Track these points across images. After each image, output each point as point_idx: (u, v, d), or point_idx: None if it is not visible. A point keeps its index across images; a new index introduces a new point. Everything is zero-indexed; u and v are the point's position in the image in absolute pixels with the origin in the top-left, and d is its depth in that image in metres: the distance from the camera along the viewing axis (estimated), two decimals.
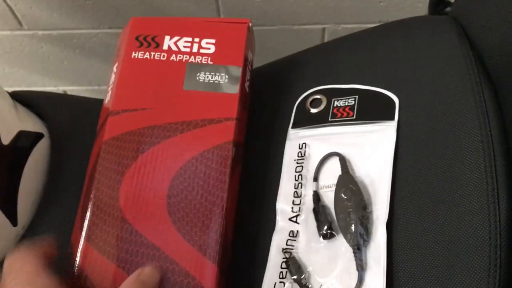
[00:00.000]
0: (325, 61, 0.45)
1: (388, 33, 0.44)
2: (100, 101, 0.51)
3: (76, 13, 0.81)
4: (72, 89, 0.99)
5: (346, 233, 0.34)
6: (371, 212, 0.35)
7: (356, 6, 0.78)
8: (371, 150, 0.37)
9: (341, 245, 0.34)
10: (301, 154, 0.39)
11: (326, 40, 0.85)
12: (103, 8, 0.80)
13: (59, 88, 0.99)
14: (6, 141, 0.39)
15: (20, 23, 0.83)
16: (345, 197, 0.35)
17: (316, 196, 0.37)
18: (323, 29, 0.82)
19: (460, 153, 0.34)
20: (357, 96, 0.40)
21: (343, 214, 0.35)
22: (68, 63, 0.92)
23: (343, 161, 0.37)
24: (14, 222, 0.39)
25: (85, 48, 0.88)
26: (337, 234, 0.35)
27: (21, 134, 0.41)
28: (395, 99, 0.38)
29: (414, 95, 0.38)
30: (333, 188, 0.36)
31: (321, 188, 0.37)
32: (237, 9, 0.79)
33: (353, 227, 0.34)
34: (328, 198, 0.37)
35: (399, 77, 0.39)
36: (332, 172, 0.37)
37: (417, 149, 0.36)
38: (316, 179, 0.38)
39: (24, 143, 0.41)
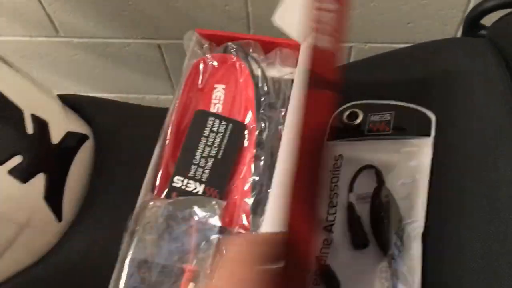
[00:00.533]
0: (361, 78, 0.46)
1: (425, 52, 0.45)
2: (141, 107, 0.53)
3: (112, 23, 0.84)
4: (102, 96, 1.01)
5: (381, 244, 0.35)
6: (406, 224, 0.35)
7: (383, 26, 0.79)
8: (406, 164, 0.38)
9: (374, 255, 0.35)
10: (337, 165, 0.41)
11: (352, 58, 0.86)
12: (138, 19, 0.83)
13: (89, 94, 1.02)
14: (55, 141, 0.41)
15: (56, 30, 0.86)
16: (381, 209, 0.36)
17: (351, 207, 0.38)
18: (350, 48, 0.84)
19: (494, 171, 0.35)
20: (393, 112, 0.41)
21: (379, 225, 0.36)
22: (100, 71, 0.95)
23: (379, 173, 0.38)
24: (59, 217, 0.41)
25: (118, 57, 0.91)
26: (371, 245, 0.36)
27: (68, 135, 0.43)
28: (432, 116, 0.39)
29: (449, 114, 0.39)
30: (368, 199, 0.37)
31: (355, 199, 0.38)
32: (266, 25, 0.81)
33: (388, 238, 0.35)
34: (363, 209, 0.38)
35: (435, 96, 0.40)
36: (367, 184, 0.38)
37: (452, 165, 0.37)
38: (351, 190, 0.39)
39: (71, 143, 0.43)
